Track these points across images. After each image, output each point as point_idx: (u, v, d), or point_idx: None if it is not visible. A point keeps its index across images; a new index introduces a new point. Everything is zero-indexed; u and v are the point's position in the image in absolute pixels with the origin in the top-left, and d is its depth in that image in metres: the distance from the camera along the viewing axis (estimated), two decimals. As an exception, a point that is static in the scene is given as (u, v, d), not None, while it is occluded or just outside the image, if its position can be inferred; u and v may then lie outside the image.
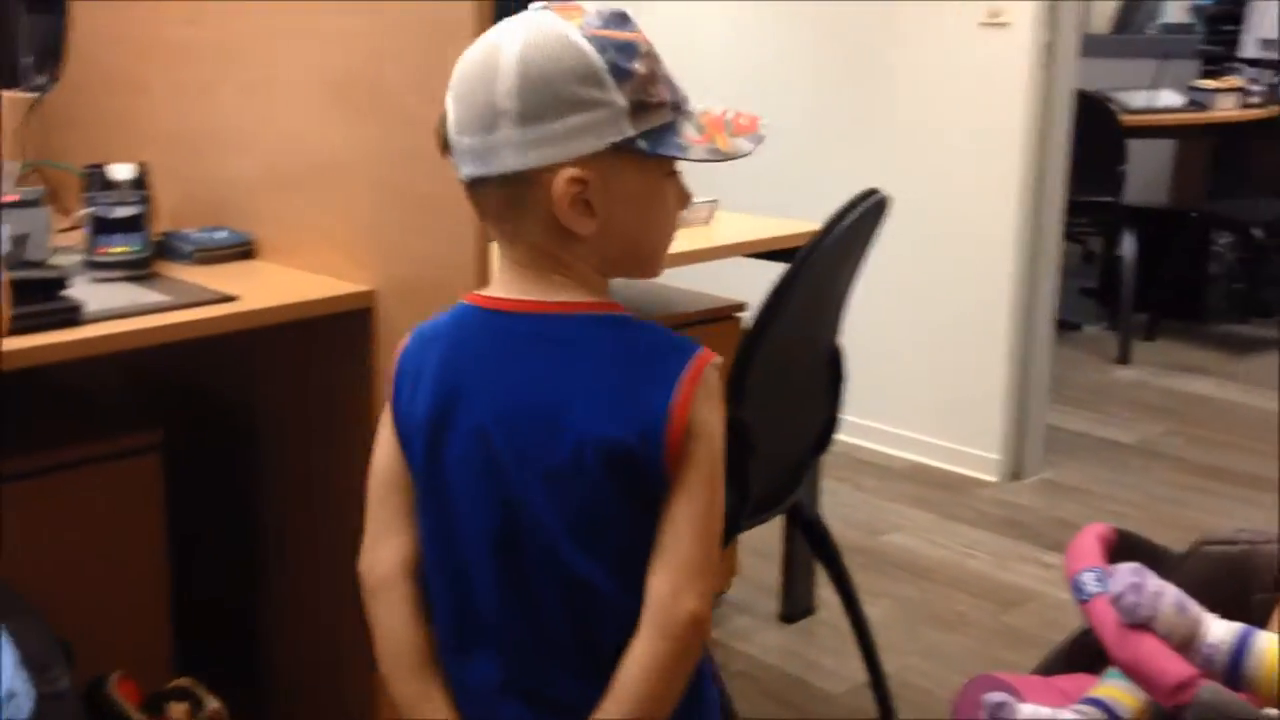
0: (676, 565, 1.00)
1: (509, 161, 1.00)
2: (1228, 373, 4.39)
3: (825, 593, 2.33)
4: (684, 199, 1.08)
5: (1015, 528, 3.09)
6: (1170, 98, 4.72)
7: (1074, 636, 1.43)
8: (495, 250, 1.14)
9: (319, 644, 1.96)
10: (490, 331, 1.06)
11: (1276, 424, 3.84)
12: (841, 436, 3.55)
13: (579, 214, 1.01)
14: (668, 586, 1.00)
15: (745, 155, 1.05)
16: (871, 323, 3.55)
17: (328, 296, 1.69)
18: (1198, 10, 5.44)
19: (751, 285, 1.93)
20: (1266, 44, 4.99)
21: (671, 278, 2.37)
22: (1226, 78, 4.85)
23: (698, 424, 1.00)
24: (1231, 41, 5.09)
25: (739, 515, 1.74)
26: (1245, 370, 4.42)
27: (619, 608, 1.01)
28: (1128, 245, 4.54)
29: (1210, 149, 5.41)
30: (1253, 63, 4.97)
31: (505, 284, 1.07)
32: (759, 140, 1.07)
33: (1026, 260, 3.30)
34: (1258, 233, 4.49)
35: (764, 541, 2.75)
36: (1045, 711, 1.27)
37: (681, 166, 1.08)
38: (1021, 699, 1.30)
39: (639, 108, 1.00)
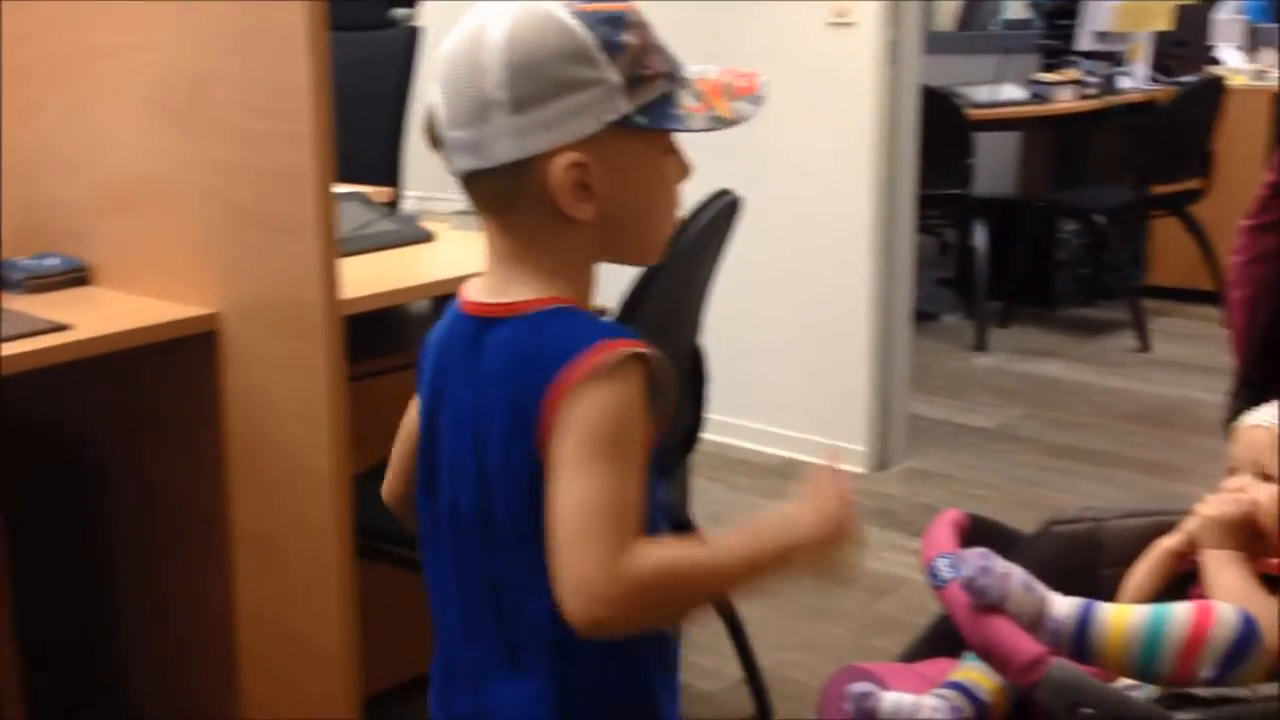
0: (557, 579, 0.94)
1: (504, 152, 0.97)
2: (1078, 355, 4.55)
3: (699, 593, 2.33)
4: (684, 172, 1.05)
5: (883, 517, 3.15)
6: (1013, 91, 4.88)
7: (934, 623, 1.46)
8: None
9: (173, 672, 1.90)
10: (460, 334, 1.04)
11: (1124, 402, 4.00)
12: (712, 436, 3.61)
13: (579, 199, 0.98)
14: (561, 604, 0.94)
15: (747, 119, 1.02)
16: (735, 322, 3.59)
17: (167, 321, 1.63)
18: (1036, 6, 5.63)
19: (607, 288, 1.93)
20: (1100, 37, 5.19)
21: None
22: (1064, 70, 5.03)
23: (573, 420, 0.95)
24: (1068, 35, 5.27)
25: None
26: (1094, 352, 4.59)
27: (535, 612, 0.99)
28: (979, 236, 4.67)
29: (1053, 140, 5.61)
30: (1088, 55, 5.17)
31: (485, 281, 1.04)
32: (759, 102, 1.04)
33: (882, 254, 3.37)
34: (1100, 219, 4.66)
35: (637, 545, 2.75)
36: (908, 698, 1.29)
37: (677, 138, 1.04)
38: (886, 687, 1.32)
39: (634, 82, 0.97)
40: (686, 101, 1.00)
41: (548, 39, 0.96)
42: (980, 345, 4.60)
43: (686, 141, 1.06)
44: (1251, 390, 1.47)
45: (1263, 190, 1.42)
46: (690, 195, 1.92)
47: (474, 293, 1.05)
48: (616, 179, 0.99)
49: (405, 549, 1.79)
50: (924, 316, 4.91)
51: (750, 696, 2.27)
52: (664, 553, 0.95)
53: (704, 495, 3.22)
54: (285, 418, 1.67)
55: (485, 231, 1.04)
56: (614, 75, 0.97)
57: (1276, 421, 1.35)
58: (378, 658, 1.80)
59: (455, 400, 1.03)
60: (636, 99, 0.98)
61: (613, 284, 1.83)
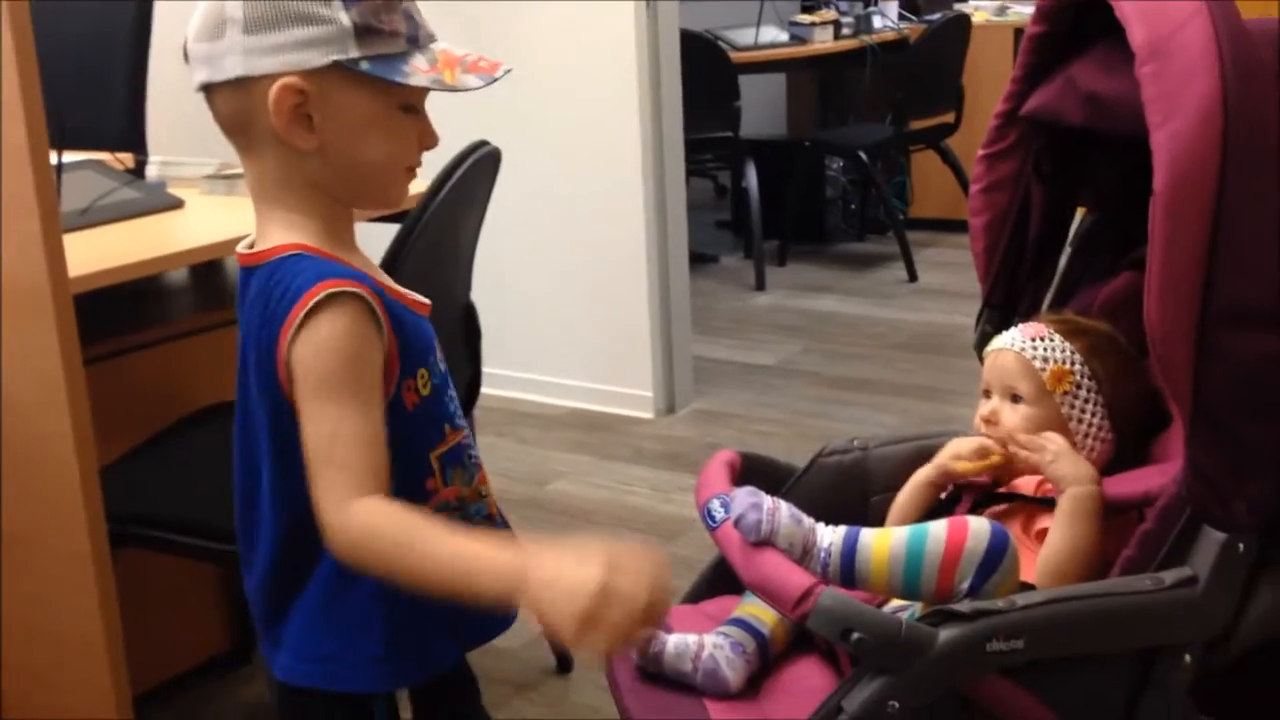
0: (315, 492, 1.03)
1: (232, 67, 1.03)
2: (851, 288, 4.70)
3: (491, 552, 2.32)
4: (427, 138, 1.11)
5: (672, 460, 3.19)
6: (773, 33, 4.96)
7: (714, 563, 1.47)
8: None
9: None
10: (240, 286, 1.11)
11: (896, 331, 4.16)
12: (499, 391, 3.58)
13: (299, 128, 1.04)
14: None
15: (471, 90, 1.07)
16: (515, 275, 3.55)
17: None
18: (792, -51, 5.74)
19: (373, 249, 1.87)
20: (853, -22, 5.33)
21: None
22: (821, 12, 5.14)
23: (293, 362, 1.03)
24: (825, -23, 5.40)
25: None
26: (866, 285, 4.75)
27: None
28: (751, 177, 4.76)
29: (815, 80, 5.75)
30: (842, -4, 5.30)
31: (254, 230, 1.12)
32: (490, 80, 1.09)
33: (655, 199, 3.39)
34: (863, 156, 4.81)
35: (427, 509, 2.71)
36: (691, 638, 1.30)
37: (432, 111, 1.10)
38: (670, 629, 1.33)
39: (366, 31, 1.03)
40: (417, 63, 1.06)
41: None
42: (759, 284, 4.70)
43: (449, 99, 1.09)
44: (994, 312, 1.54)
45: (995, 119, 1.47)
46: (455, 147, 1.89)
47: (243, 243, 1.12)
48: (337, 118, 1.05)
49: (165, 531, 1.71)
50: (704, 259, 4.98)
51: (550, 649, 2.27)
52: (380, 518, 1.00)
53: (494, 451, 3.19)
54: (23, 408, 1.56)
55: (241, 165, 1.11)
56: (345, 19, 1.03)
57: (1021, 344, 1.41)
58: (148, 652, 1.71)
59: (241, 350, 1.11)
60: (367, 48, 1.04)
61: (371, 245, 1.78)
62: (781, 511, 1.17)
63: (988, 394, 1.44)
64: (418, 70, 1.05)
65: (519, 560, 0.96)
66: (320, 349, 1.02)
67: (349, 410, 1.02)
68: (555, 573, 0.93)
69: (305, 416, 1.03)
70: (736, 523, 1.17)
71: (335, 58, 1.03)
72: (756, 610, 1.34)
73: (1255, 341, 1.12)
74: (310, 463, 1.02)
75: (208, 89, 1.06)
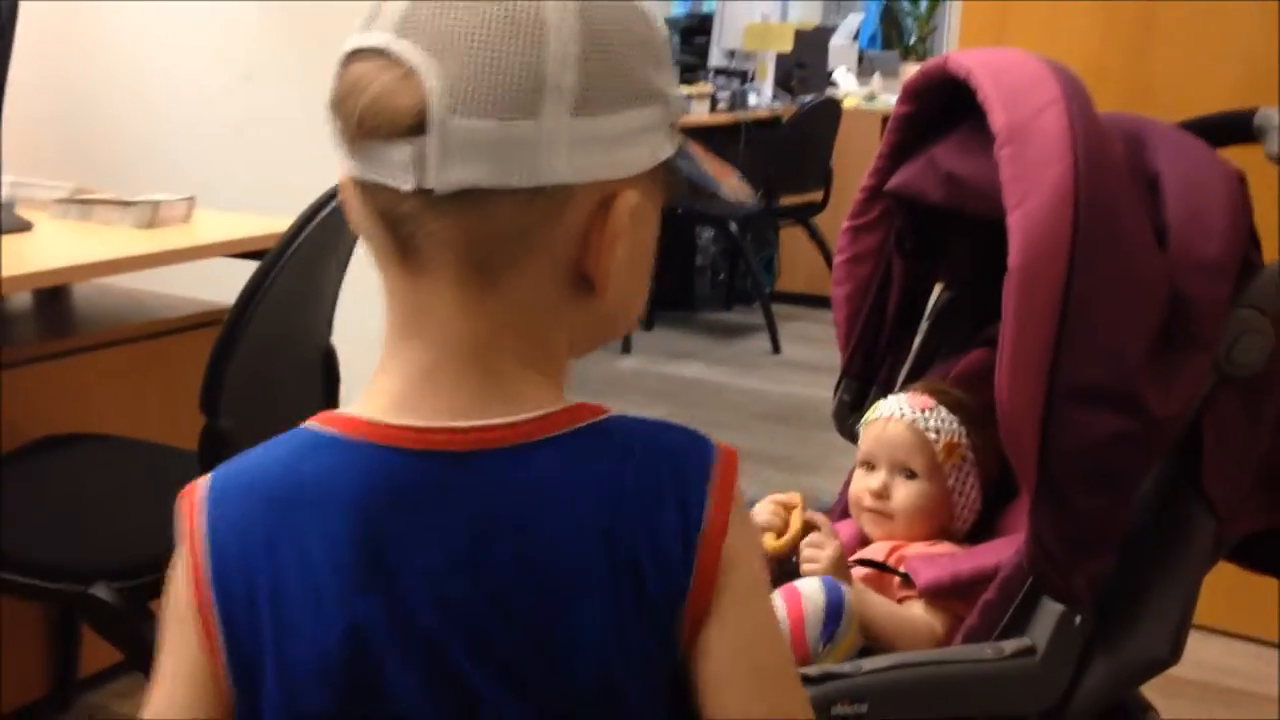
0: None
1: (553, 168, 0.65)
2: (717, 357, 4.76)
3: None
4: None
5: (529, 518, 3.15)
6: (653, 103, 5.04)
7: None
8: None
9: None
10: (423, 486, 0.68)
11: (759, 401, 4.21)
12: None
13: (609, 260, 0.69)
14: None
15: (746, 204, 0.83)
16: (378, 326, 3.49)
17: None
18: (673, 23, 5.86)
19: (236, 287, 1.82)
20: (730, 55, 5.47)
21: (148, 280, 2.19)
22: (699, 85, 5.25)
23: (737, 548, 0.70)
24: (703, 51, 5.52)
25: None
26: (732, 353, 4.82)
27: None
28: (623, 241, 4.79)
29: (692, 151, 5.83)
30: (720, 71, 5.42)
31: (422, 395, 0.69)
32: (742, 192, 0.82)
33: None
34: (734, 228, 4.90)
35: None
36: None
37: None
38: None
39: (676, 109, 0.72)
40: (697, 152, 0.76)
41: (629, 19, 0.69)
42: (626, 348, 4.72)
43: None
44: (852, 381, 1.56)
45: (861, 193, 1.51)
46: (320, 187, 1.85)
47: (426, 413, 0.69)
48: (637, 246, 0.72)
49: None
50: (572, 320, 4.99)
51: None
52: None
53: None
54: None
55: (407, 303, 0.70)
56: (674, 91, 0.72)
57: (913, 415, 1.37)
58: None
59: (438, 589, 0.68)
60: (674, 135, 0.73)
61: (233, 283, 1.73)
62: None
63: (870, 465, 1.39)
64: (717, 176, 0.77)
65: None
66: (756, 537, 0.76)
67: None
68: None
69: (750, 608, 0.71)
70: None
71: (661, 155, 0.71)
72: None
73: (1100, 420, 1.16)
74: (764, 669, 0.71)
75: (467, 196, 0.65)
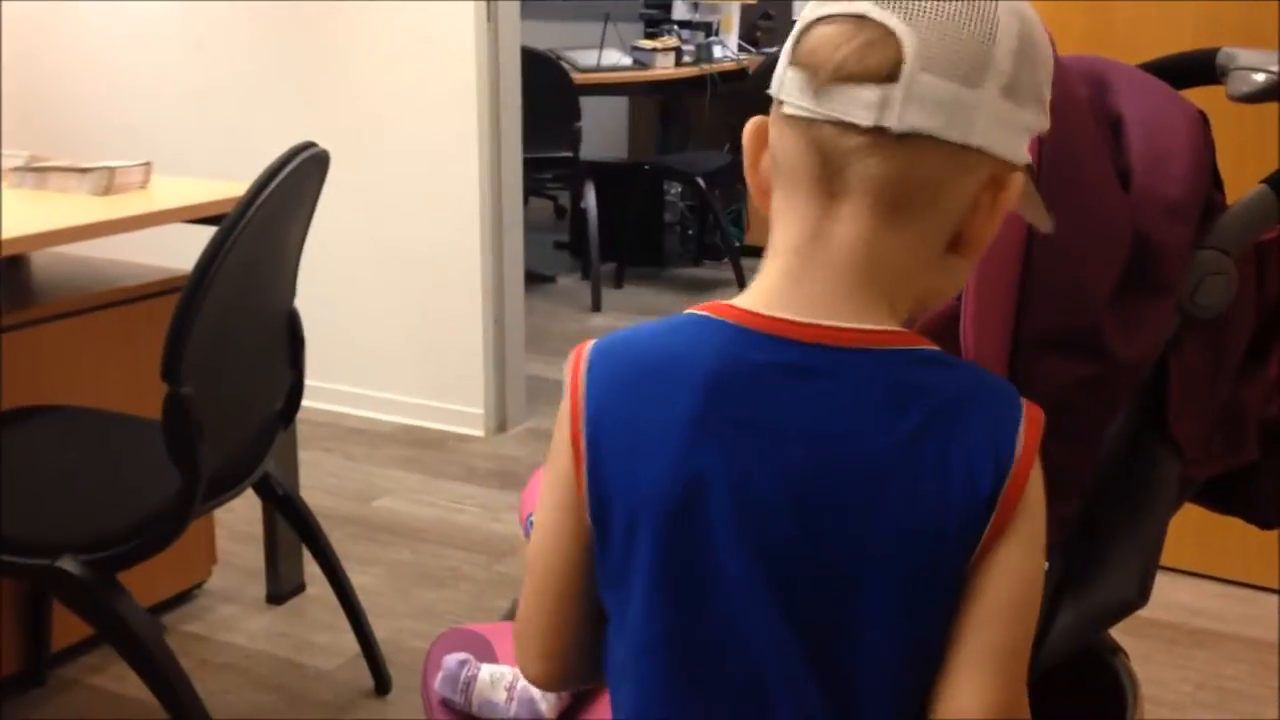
0: (996, 675, 0.82)
1: (982, 133, 0.79)
2: (687, 312, 4.75)
3: (315, 568, 2.25)
4: None
5: (502, 478, 3.15)
6: (616, 57, 5.00)
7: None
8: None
9: None
10: (771, 372, 0.81)
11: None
12: (327, 405, 3.49)
13: (989, 234, 0.84)
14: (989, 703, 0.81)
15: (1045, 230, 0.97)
16: (348, 288, 3.47)
17: None
18: (637, -28, 5.80)
19: (195, 254, 1.80)
20: (694, 7, 5.41)
21: (107, 248, 2.16)
22: (664, 38, 5.21)
23: (1034, 496, 0.83)
24: (668, 4, 5.47)
25: (191, 499, 1.61)
26: (701, 309, 4.81)
27: None
28: (591, 199, 4.77)
29: (657, 105, 5.81)
30: (684, 24, 5.38)
31: (801, 297, 0.82)
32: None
33: (492, 215, 3.36)
34: (701, 182, 4.88)
35: (245, 523, 2.61)
36: (506, 668, 1.27)
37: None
38: (493, 648, 1.30)
39: (1042, 127, 0.86)
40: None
41: (1045, 42, 0.84)
42: (596, 306, 4.71)
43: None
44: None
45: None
46: (268, 156, 1.82)
47: (805, 309, 0.82)
48: (995, 230, 0.86)
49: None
50: (541, 279, 4.97)
51: (368, 671, 2.21)
52: None
53: (319, 467, 3.11)
54: None
55: (814, 224, 0.83)
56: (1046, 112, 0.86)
57: None
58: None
59: (768, 466, 0.79)
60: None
61: (193, 249, 1.70)
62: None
63: None
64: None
65: None
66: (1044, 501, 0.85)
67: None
68: None
69: (1013, 565, 0.83)
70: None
71: (1027, 159, 0.84)
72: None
73: (1066, 367, 1.16)
74: (997, 613, 0.82)
75: (909, 138, 0.79)
